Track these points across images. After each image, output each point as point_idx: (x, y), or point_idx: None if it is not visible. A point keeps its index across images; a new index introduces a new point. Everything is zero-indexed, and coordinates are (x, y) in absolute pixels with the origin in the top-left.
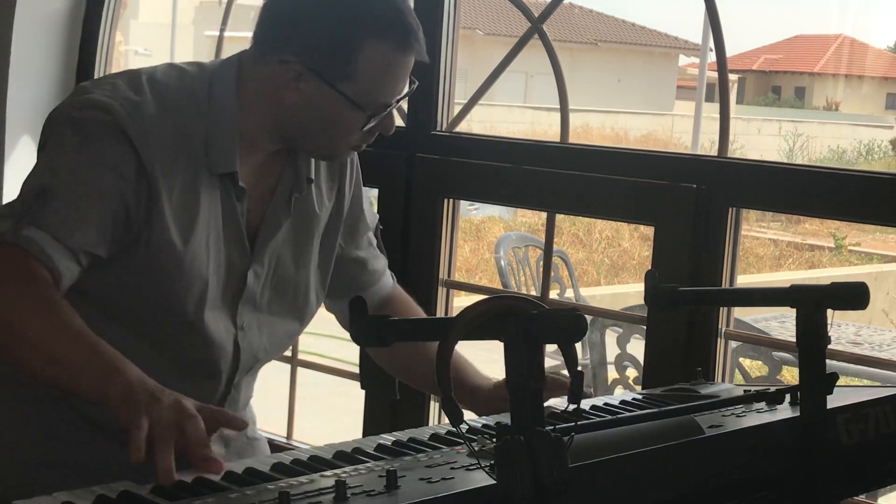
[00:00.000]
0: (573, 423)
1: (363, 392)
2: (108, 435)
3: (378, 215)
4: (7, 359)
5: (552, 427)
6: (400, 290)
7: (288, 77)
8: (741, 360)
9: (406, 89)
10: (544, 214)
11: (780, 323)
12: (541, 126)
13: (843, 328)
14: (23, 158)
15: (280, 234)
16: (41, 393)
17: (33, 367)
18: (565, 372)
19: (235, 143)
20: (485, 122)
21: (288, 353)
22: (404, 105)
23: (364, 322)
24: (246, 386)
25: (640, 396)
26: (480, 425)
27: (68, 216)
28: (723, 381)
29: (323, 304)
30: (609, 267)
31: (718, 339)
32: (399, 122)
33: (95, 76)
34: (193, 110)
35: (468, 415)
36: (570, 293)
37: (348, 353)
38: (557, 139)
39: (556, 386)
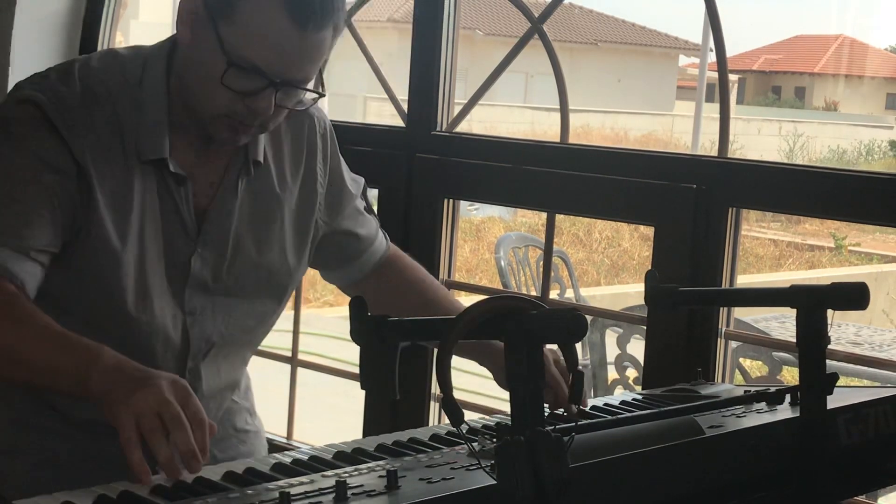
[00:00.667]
0: (573, 423)
1: (363, 392)
2: (78, 426)
3: (362, 177)
4: None
5: (552, 427)
6: (395, 251)
7: (187, 9)
8: (741, 360)
9: (301, 79)
10: (544, 214)
11: (780, 323)
12: (541, 126)
13: (843, 328)
14: None
15: (233, 218)
16: (9, 392)
17: (10, 376)
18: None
19: (164, 127)
20: (485, 122)
21: (288, 353)
22: (404, 106)
23: (364, 322)
24: (211, 373)
25: (640, 396)
26: (480, 426)
27: (17, 222)
28: (723, 381)
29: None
30: (609, 267)
31: (718, 339)
32: (399, 122)
33: None
34: (125, 97)
35: (468, 415)
36: (570, 293)
37: (348, 353)
38: (557, 139)
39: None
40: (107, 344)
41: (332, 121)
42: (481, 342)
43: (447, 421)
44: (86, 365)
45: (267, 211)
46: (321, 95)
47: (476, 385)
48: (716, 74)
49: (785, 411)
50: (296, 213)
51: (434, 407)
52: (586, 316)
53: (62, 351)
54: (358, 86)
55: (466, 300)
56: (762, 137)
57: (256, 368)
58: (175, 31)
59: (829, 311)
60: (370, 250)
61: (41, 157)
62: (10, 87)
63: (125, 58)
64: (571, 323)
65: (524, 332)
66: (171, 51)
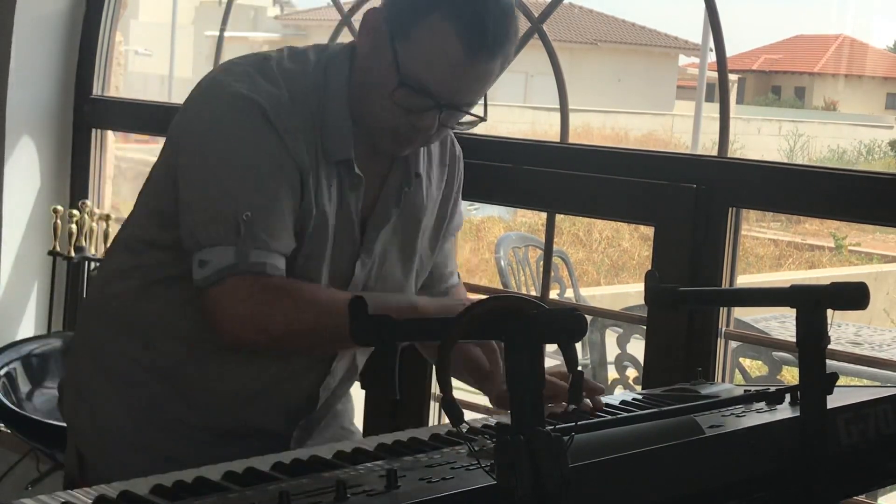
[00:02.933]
0: (573, 423)
1: (363, 392)
2: (200, 428)
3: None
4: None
5: (552, 427)
6: (460, 289)
7: (369, 24)
8: (741, 360)
9: (467, 103)
10: (544, 214)
11: (780, 323)
12: (541, 126)
13: (843, 328)
14: (23, 158)
15: (389, 226)
16: (138, 379)
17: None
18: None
19: (349, 129)
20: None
21: None
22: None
23: (364, 322)
24: (345, 375)
25: (640, 396)
26: (480, 425)
27: (275, 227)
28: (723, 381)
29: None
30: (609, 267)
31: (718, 339)
32: None
33: (95, 76)
34: (314, 99)
35: (468, 415)
36: (570, 293)
37: None
38: (557, 139)
39: (555, 391)
40: None
41: None
42: (471, 364)
43: (447, 421)
44: (410, 307)
45: (413, 223)
46: (482, 119)
47: None
48: (716, 74)
49: (785, 411)
50: (433, 229)
51: (434, 407)
52: (586, 316)
53: (386, 302)
54: None
55: None
56: (762, 137)
57: None
58: (356, 40)
59: (829, 311)
60: (440, 287)
61: (277, 161)
62: (10, 86)
63: (311, 61)
64: (571, 323)
65: (524, 332)
66: (352, 57)
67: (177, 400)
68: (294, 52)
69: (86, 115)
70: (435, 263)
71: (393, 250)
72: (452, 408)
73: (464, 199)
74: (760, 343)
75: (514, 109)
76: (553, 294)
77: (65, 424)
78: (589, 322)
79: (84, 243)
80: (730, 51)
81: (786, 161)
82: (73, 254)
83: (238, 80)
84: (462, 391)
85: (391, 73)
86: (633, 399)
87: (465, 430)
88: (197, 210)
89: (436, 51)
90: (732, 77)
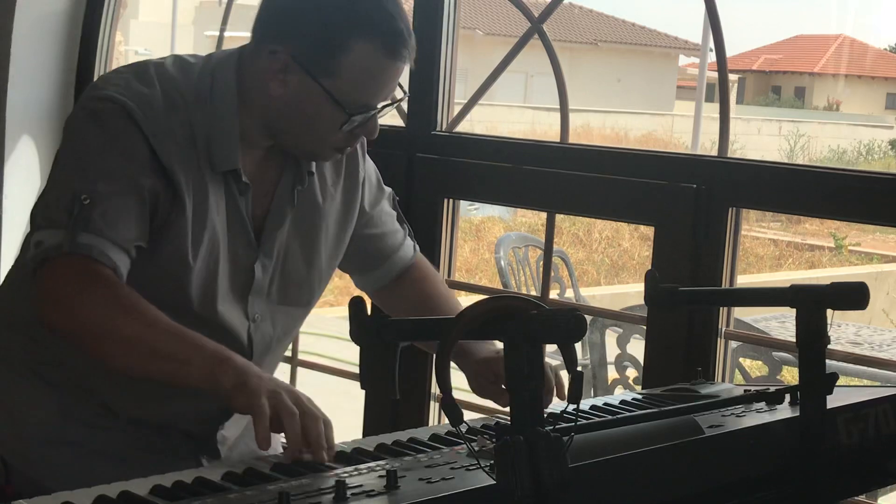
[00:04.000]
0: (573, 423)
1: (363, 392)
2: (126, 421)
3: (390, 188)
4: (99, 361)
5: (552, 427)
6: (420, 263)
7: (275, 67)
8: (741, 360)
9: (393, 96)
10: (544, 214)
11: (780, 323)
12: (541, 126)
13: (843, 328)
14: (23, 158)
15: (286, 226)
16: (58, 377)
17: (133, 366)
18: (563, 373)
19: (236, 140)
20: (485, 122)
21: (288, 352)
22: (404, 105)
23: (363, 323)
24: None
25: (640, 396)
26: (480, 425)
27: (114, 215)
28: (723, 381)
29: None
30: (609, 267)
31: (718, 339)
32: (399, 122)
33: (95, 76)
34: (197, 107)
35: (468, 415)
36: (570, 293)
37: (348, 353)
38: (557, 139)
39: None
40: None
41: None
42: (461, 346)
43: (447, 421)
44: (219, 361)
45: (312, 219)
46: (405, 95)
47: None
48: (716, 74)
49: (785, 411)
50: (337, 220)
51: (434, 407)
52: (586, 316)
53: (190, 342)
54: None
55: (466, 300)
56: (762, 137)
57: None
58: (242, 46)
59: (829, 311)
60: (393, 258)
61: (136, 158)
62: (10, 86)
63: (196, 68)
64: (571, 323)
65: (524, 332)
66: (238, 63)
67: (97, 405)
68: (178, 59)
69: None
70: (374, 238)
71: (294, 248)
72: (452, 408)
73: (464, 199)
74: (760, 343)
75: (514, 109)
76: (553, 294)
77: None
78: (589, 322)
79: None
80: (730, 51)
81: (786, 161)
82: None
83: (112, 83)
84: (462, 391)
85: (332, 110)
86: (633, 399)
87: (464, 431)
88: (42, 196)
89: (369, 71)
90: (732, 77)
